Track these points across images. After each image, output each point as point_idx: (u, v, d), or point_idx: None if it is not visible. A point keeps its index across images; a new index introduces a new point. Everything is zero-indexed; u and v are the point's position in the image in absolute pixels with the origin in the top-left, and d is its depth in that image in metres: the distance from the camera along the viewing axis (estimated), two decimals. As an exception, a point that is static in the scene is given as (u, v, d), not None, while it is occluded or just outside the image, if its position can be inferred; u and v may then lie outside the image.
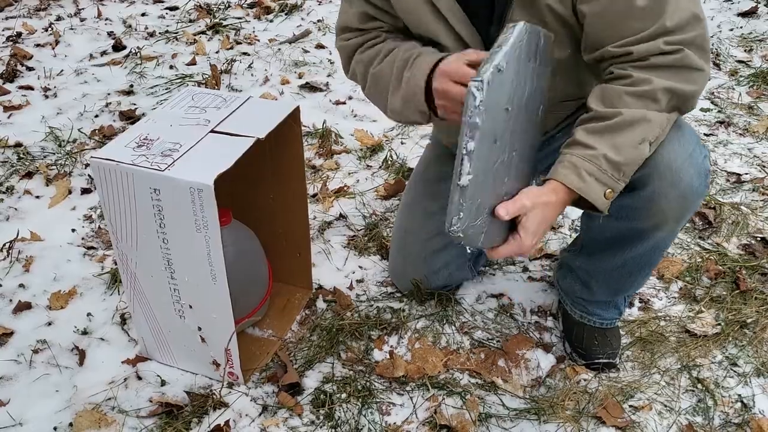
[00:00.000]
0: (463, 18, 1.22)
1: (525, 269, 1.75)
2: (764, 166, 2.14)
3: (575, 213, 1.89)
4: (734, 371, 1.48)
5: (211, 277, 1.28)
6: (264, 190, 1.56)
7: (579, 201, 1.12)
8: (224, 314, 1.32)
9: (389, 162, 2.11)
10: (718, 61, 2.77)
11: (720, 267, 1.72)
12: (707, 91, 2.54)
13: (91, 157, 1.23)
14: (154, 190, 1.21)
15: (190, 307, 1.35)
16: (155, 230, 1.26)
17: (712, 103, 2.48)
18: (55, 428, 1.34)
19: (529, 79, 1.07)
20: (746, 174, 2.10)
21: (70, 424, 1.34)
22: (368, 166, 2.12)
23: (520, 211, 1.07)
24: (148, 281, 1.35)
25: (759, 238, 1.83)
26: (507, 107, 1.03)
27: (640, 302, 1.64)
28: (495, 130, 1.01)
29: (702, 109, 2.44)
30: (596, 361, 1.46)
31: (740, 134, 2.31)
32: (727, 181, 2.08)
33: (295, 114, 1.41)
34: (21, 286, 1.66)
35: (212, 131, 1.31)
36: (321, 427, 1.33)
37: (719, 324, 1.57)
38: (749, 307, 1.62)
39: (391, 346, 1.52)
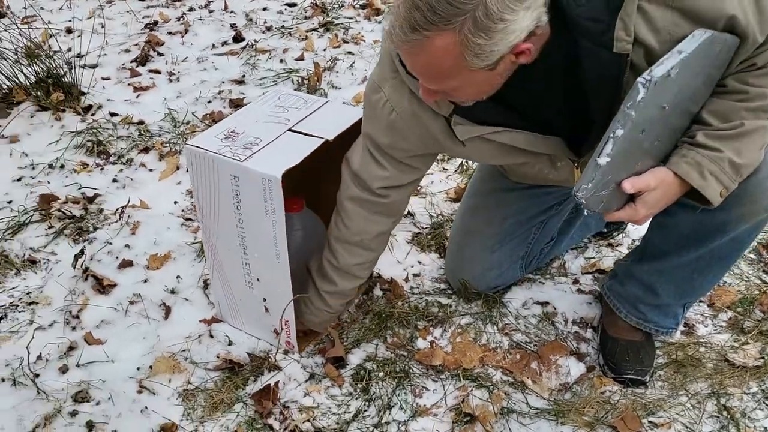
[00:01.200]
0: (556, 142, 1.29)
1: (576, 281, 1.83)
2: None
3: (637, 233, 1.94)
4: (766, 404, 1.50)
5: (276, 256, 1.47)
6: (335, 184, 1.73)
7: (691, 193, 1.19)
8: (285, 289, 1.51)
9: (464, 167, 2.24)
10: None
11: (773, 302, 1.73)
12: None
13: (186, 143, 1.45)
14: (233, 177, 1.41)
15: (258, 280, 1.55)
16: (233, 211, 1.46)
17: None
18: (138, 368, 1.59)
19: (694, 85, 1.12)
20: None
21: (150, 367, 1.58)
22: (444, 169, 2.25)
23: (644, 189, 1.15)
24: (225, 254, 1.56)
25: (824, 278, 1.81)
26: (664, 106, 1.08)
27: (684, 326, 1.69)
28: (646, 122, 1.07)
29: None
30: (624, 375, 1.53)
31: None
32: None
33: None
34: (127, 246, 1.93)
35: (290, 130, 1.49)
36: (356, 399, 1.50)
37: (762, 357, 1.60)
38: (798, 344, 1.63)
39: (435, 337, 1.66)
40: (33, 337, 1.64)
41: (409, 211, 2.04)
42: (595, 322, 1.69)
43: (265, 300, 1.57)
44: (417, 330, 1.67)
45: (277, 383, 1.52)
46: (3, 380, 1.56)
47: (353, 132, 1.54)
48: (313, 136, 1.46)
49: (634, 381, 1.53)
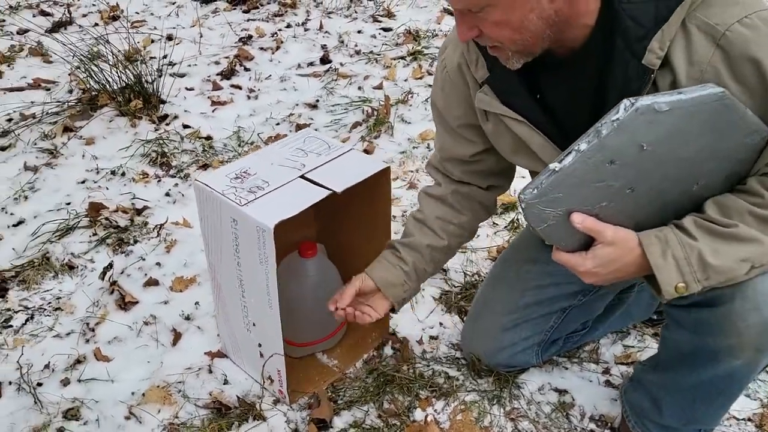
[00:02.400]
0: (554, 154, 1.20)
1: (606, 371, 1.66)
2: None
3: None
4: None
5: (268, 305, 1.42)
6: (353, 233, 1.67)
7: (651, 277, 1.06)
8: (275, 339, 1.46)
9: (515, 224, 2.10)
10: None
11: (832, 435, 1.48)
12: None
13: (195, 179, 1.44)
14: (233, 220, 1.38)
15: (254, 324, 1.51)
16: (233, 252, 1.43)
17: None
18: (132, 393, 1.59)
19: (694, 145, 1.00)
20: None
21: (143, 394, 1.58)
22: (495, 223, 2.13)
23: (596, 235, 1.05)
24: (227, 293, 1.54)
25: None
26: (642, 145, 0.97)
27: (720, 445, 1.48)
28: (617, 154, 0.97)
29: None
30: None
31: None
32: None
33: (386, 172, 1.49)
34: (157, 264, 1.96)
35: (302, 176, 1.44)
36: (330, 468, 1.42)
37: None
38: None
39: (435, 410, 1.55)
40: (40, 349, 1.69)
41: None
42: (617, 423, 1.52)
43: (260, 345, 1.53)
44: (418, 399, 1.57)
45: (254, 435, 1.47)
46: (10, 383, 1.62)
47: (375, 183, 1.47)
48: (323, 186, 1.40)
49: (640, 502, 1.35)
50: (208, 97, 2.83)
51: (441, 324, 1.78)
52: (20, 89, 2.89)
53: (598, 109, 1.07)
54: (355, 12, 3.64)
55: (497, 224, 2.13)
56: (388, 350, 1.70)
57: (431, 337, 1.74)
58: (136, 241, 2.05)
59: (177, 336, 1.74)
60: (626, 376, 1.57)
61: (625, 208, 1.05)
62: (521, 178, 1.55)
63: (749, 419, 1.53)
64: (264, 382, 1.58)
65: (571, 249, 1.09)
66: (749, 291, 1.06)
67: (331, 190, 1.39)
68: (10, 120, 2.65)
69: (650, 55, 1.01)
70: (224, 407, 1.54)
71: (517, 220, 2.12)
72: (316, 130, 2.55)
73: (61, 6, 3.63)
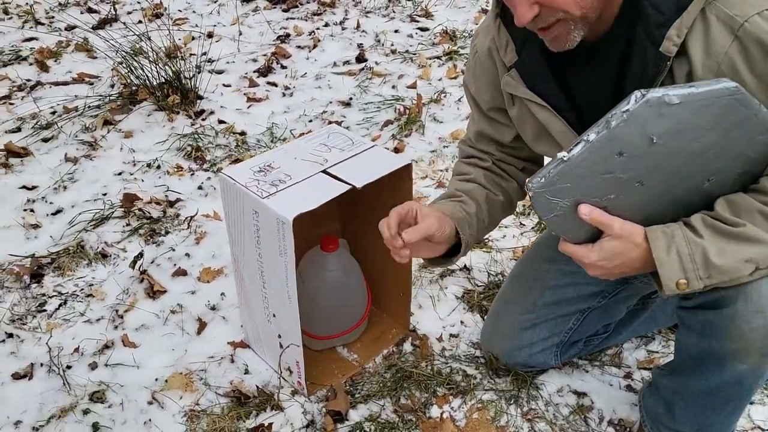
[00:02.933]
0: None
1: (628, 375, 1.63)
2: None
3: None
4: None
5: (287, 297, 1.44)
6: (375, 230, 1.67)
7: (656, 272, 1.05)
8: (294, 330, 1.48)
9: (542, 225, 2.09)
10: None
11: None
12: None
13: (221, 171, 1.47)
14: (254, 212, 1.41)
15: (274, 315, 1.54)
16: (254, 244, 1.46)
17: None
18: (156, 379, 1.63)
19: (704, 140, 0.99)
20: None
21: (167, 381, 1.62)
22: (522, 224, 2.12)
23: (604, 227, 1.04)
24: (249, 284, 1.57)
25: None
26: (652, 137, 0.96)
27: (741, 455, 1.45)
28: (626, 145, 0.97)
29: None
30: (644, 499, 1.34)
31: None
32: None
33: (408, 169, 1.50)
34: (187, 254, 2.01)
35: (324, 171, 1.46)
36: (343, 459, 1.44)
37: None
38: None
39: (452, 408, 1.56)
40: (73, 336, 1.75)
41: (465, 265, 1.94)
42: (635, 429, 1.50)
43: (280, 336, 1.56)
44: (435, 396, 1.58)
45: (270, 425, 1.49)
46: (41, 365, 1.67)
47: (397, 180, 1.48)
48: (343, 181, 1.42)
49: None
50: (244, 94, 2.88)
51: (462, 322, 1.78)
52: (65, 83, 2.98)
53: (616, 98, 1.06)
54: (393, 12, 3.66)
55: (524, 224, 2.12)
56: (407, 346, 1.71)
57: (451, 335, 1.74)
58: (167, 232, 2.10)
59: (202, 325, 1.77)
60: (646, 381, 1.55)
61: (633, 202, 1.04)
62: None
63: (774, 430, 1.50)
64: (282, 372, 1.60)
65: (578, 240, 1.08)
66: (753, 294, 1.05)
67: (351, 185, 1.41)
68: (53, 113, 2.74)
69: (667, 43, 1.01)
70: (243, 396, 1.57)
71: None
72: (347, 128, 2.57)
73: (107, 3, 3.73)
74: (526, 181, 1.02)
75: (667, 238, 1.03)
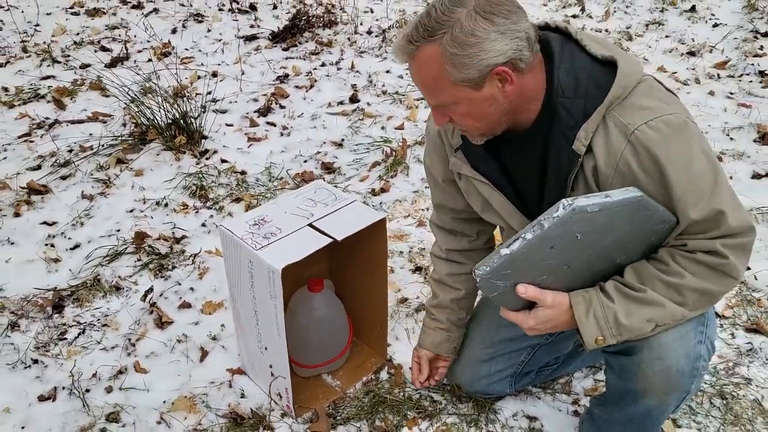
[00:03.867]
0: (514, 211, 1.44)
1: (575, 401, 1.87)
2: None
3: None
4: None
5: (277, 333, 1.68)
6: (356, 271, 1.92)
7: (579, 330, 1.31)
8: (282, 363, 1.72)
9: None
10: None
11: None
12: None
13: (219, 225, 1.71)
14: (249, 261, 1.65)
15: (266, 348, 1.77)
16: (249, 287, 1.70)
17: None
18: (164, 401, 1.87)
19: (617, 233, 1.23)
20: None
21: (173, 403, 1.86)
22: (492, 261, 2.35)
23: (538, 301, 1.29)
24: (245, 320, 1.81)
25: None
26: (577, 235, 1.21)
27: (667, 473, 1.68)
28: (556, 240, 1.21)
29: None
30: None
31: None
32: None
33: (382, 222, 1.75)
34: (191, 289, 2.25)
35: (309, 225, 1.70)
36: (323, 474, 1.67)
37: None
38: None
39: (420, 429, 1.79)
40: (87, 360, 1.99)
41: (438, 300, 2.17)
42: (577, 449, 1.74)
43: (271, 366, 1.79)
44: (405, 419, 1.81)
45: (263, 443, 1.73)
46: (63, 388, 1.91)
47: (373, 231, 1.72)
48: (326, 234, 1.66)
49: None
50: (245, 134, 3.13)
51: (433, 353, 2.01)
52: (81, 122, 3.24)
53: (542, 177, 1.33)
54: (386, 52, 3.92)
55: (494, 262, 2.35)
56: (384, 375, 1.94)
57: (423, 364, 1.98)
58: (173, 267, 2.34)
59: (204, 353, 2.01)
60: (585, 410, 1.78)
61: (562, 279, 1.29)
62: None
63: (697, 451, 1.73)
64: (273, 397, 1.84)
65: (516, 309, 1.33)
66: (655, 344, 1.29)
67: (332, 238, 1.65)
68: (70, 151, 2.99)
69: (578, 143, 1.24)
70: (239, 417, 1.81)
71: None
72: (338, 168, 2.82)
73: (119, 42, 3.99)
74: (473, 268, 1.25)
75: (586, 303, 1.28)
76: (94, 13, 4.38)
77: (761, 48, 3.93)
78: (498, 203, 1.44)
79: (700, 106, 3.31)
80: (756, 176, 2.79)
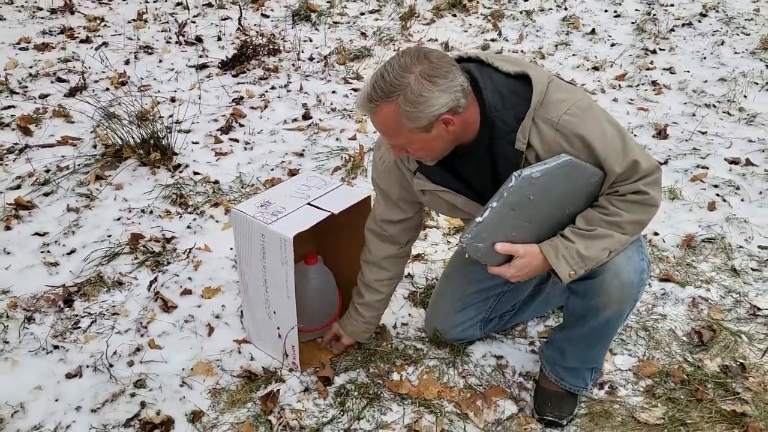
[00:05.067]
0: (476, 206, 1.79)
1: (531, 343, 2.26)
2: (790, 306, 2.42)
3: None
4: (657, 455, 1.89)
5: (287, 295, 2.00)
6: (345, 246, 2.26)
7: (554, 270, 1.69)
8: (291, 320, 2.03)
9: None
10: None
11: (685, 376, 2.10)
12: (775, 231, 2.83)
13: (232, 208, 2.02)
14: (261, 235, 1.96)
15: (275, 312, 2.08)
16: (260, 259, 2.01)
17: (774, 242, 2.77)
18: (183, 369, 2.14)
19: (560, 189, 1.61)
20: (767, 310, 2.40)
21: (192, 369, 2.13)
22: (448, 242, 2.75)
23: (513, 253, 1.68)
24: (253, 291, 2.11)
25: (739, 363, 2.16)
26: (530, 197, 1.59)
27: (609, 387, 2.09)
28: (514, 204, 1.58)
29: (760, 246, 2.73)
30: (544, 417, 1.95)
31: (786, 274, 2.59)
32: (747, 312, 2.40)
33: (367, 200, 2.10)
34: (189, 278, 2.52)
35: (308, 203, 2.04)
36: (334, 408, 1.99)
37: (663, 418, 1.98)
38: (698, 412, 2.00)
39: (407, 373, 2.13)
40: (107, 344, 2.23)
41: (409, 273, 2.54)
42: (537, 376, 2.12)
43: (278, 328, 2.10)
44: (394, 366, 2.15)
45: (278, 391, 2.03)
46: (87, 366, 2.15)
47: (359, 207, 2.07)
48: (324, 209, 2.00)
49: (552, 422, 1.95)
50: (212, 149, 3.42)
51: (410, 315, 2.37)
52: (51, 145, 3.44)
53: (494, 175, 1.71)
54: (329, 75, 4.30)
55: (450, 242, 2.75)
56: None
57: (403, 324, 2.33)
58: (169, 263, 2.61)
59: (211, 329, 2.29)
60: (542, 341, 2.17)
61: (528, 233, 1.69)
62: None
63: (629, 370, 2.15)
64: (280, 358, 2.14)
65: (499, 264, 1.72)
66: (611, 265, 1.70)
67: (330, 212, 1.99)
68: (48, 171, 3.20)
69: (518, 143, 1.63)
70: (253, 375, 2.10)
71: (466, 238, 2.74)
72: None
73: (75, 73, 4.20)
74: (460, 236, 1.64)
75: (554, 249, 1.67)
76: (44, 47, 4.56)
77: (651, 62, 4.57)
78: (462, 203, 1.81)
79: (607, 111, 3.85)
80: (657, 164, 3.32)
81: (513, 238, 1.68)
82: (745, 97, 4.06)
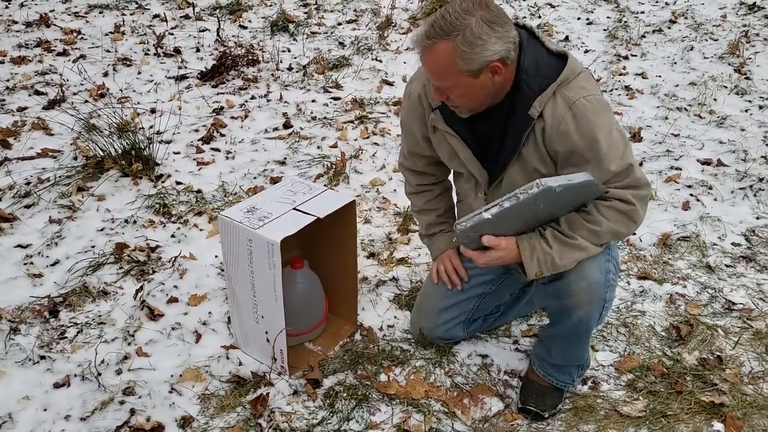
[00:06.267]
0: (477, 165, 1.88)
1: (515, 341, 2.31)
2: (763, 300, 2.50)
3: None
4: (640, 446, 1.94)
5: (274, 299, 2.02)
6: (330, 251, 2.30)
7: (521, 264, 1.76)
8: (279, 323, 2.05)
9: (447, 245, 2.76)
10: (779, 202, 3.10)
11: (664, 369, 2.16)
12: (747, 228, 2.91)
13: (219, 213, 2.05)
14: (249, 240, 1.99)
15: (263, 317, 2.10)
16: (247, 264, 2.04)
17: (746, 239, 2.85)
18: (171, 375, 2.15)
19: (565, 200, 1.69)
20: (741, 304, 2.48)
21: (180, 375, 2.14)
22: (431, 245, 2.79)
23: (495, 247, 1.74)
24: (241, 296, 2.13)
25: (716, 356, 2.23)
26: (540, 204, 1.64)
27: (591, 383, 2.14)
28: (523, 208, 1.63)
29: (733, 243, 2.82)
30: (528, 407, 2.00)
31: (758, 270, 2.67)
32: (722, 306, 2.47)
33: (352, 204, 2.14)
34: (175, 286, 2.53)
35: (294, 209, 2.07)
36: (324, 410, 2.01)
37: (645, 411, 2.03)
38: (678, 404, 2.05)
39: (394, 374, 2.16)
40: (96, 352, 2.24)
41: (394, 276, 2.58)
42: (522, 373, 2.16)
43: (266, 333, 2.12)
44: (382, 367, 2.18)
45: (268, 394, 2.05)
46: (75, 375, 2.15)
47: (344, 211, 2.10)
48: (310, 214, 2.03)
49: (536, 415, 2.00)
50: (194, 159, 3.43)
51: (395, 317, 2.41)
52: (31, 158, 3.43)
53: (502, 135, 1.77)
54: (309, 84, 4.34)
55: (433, 246, 2.79)
56: (358, 336, 2.31)
57: (389, 326, 2.36)
58: (154, 271, 2.61)
59: (198, 336, 2.31)
60: (536, 339, 2.22)
61: (513, 229, 1.74)
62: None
63: (611, 365, 2.20)
64: (268, 362, 2.16)
65: (475, 249, 1.76)
66: (577, 267, 1.76)
67: (316, 216, 2.02)
68: (28, 183, 3.19)
69: (533, 110, 1.70)
70: (242, 380, 2.12)
71: (448, 241, 2.78)
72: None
73: (53, 86, 4.19)
74: (455, 223, 1.70)
75: (531, 249, 1.73)
76: (20, 60, 4.53)
77: (624, 68, 4.67)
78: (463, 155, 1.87)
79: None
80: (632, 166, 3.41)
81: (501, 233, 1.73)
82: (715, 100, 4.17)
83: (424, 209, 2.19)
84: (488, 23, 1.60)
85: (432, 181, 2.16)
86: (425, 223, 2.21)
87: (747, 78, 4.48)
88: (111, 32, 5.04)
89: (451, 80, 1.66)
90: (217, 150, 3.54)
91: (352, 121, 3.85)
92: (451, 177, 2.19)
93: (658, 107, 4.11)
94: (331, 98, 4.17)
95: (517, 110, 1.72)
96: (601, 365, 2.21)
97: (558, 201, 1.67)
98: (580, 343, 1.96)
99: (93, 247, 2.76)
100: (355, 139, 3.65)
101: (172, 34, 5.07)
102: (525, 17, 5.71)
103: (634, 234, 2.86)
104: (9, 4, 5.53)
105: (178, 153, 3.49)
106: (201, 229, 2.88)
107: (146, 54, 4.72)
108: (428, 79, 1.78)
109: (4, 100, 4.03)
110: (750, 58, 4.80)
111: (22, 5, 5.44)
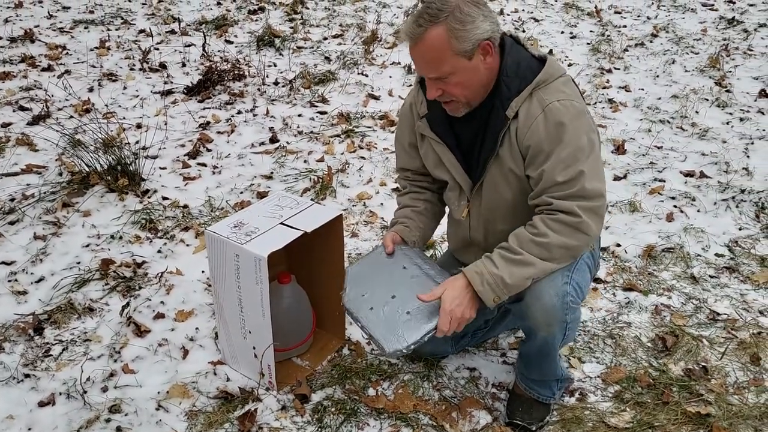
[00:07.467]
0: (460, 170, 1.88)
1: (503, 354, 2.32)
2: (747, 310, 2.52)
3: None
4: (628, 457, 1.95)
5: (261, 314, 2.02)
6: (318, 265, 2.30)
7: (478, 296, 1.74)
8: (267, 338, 2.05)
9: (434, 258, 2.77)
10: (762, 214, 3.14)
11: (651, 380, 2.17)
12: (730, 239, 2.94)
13: (206, 229, 2.04)
14: (236, 255, 1.99)
15: (250, 332, 2.10)
16: (235, 279, 2.03)
17: (729, 250, 2.88)
18: (158, 392, 2.13)
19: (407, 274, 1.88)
20: (725, 314, 2.50)
21: (167, 392, 2.13)
22: (418, 258, 2.79)
23: (432, 298, 1.73)
24: (228, 312, 2.12)
25: (702, 366, 2.25)
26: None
27: (579, 394, 2.15)
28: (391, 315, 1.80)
29: (716, 254, 2.85)
30: (514, 421, 2.00)
31: (741, 281, 2.70)
32: (707, 317, 2.50)
33: (339, 218, 2.14)
34: (162, 302, 2.52)
35: (281, 223, 2.07)
36: (312, 425, 2.01)
37: (632, 422, 2.04)
38: (665, 414, 2.07)
39: (383, 388, 2.16)
40: (81, 369, 2.22)
41: (381, 290, 2.58)
42: (510, 386, 2.17)
43: (254, 348, 2.11)
44: (370, 381, 2.18)
45: (256, 410, 2.04)
46: (60, 393, 2.13)
47: (331, 226, 2.11)
48: (297, 228, 2.03)
49: (523, 429, 2.00)
50: (180, 174, 3.43)
51: (383, 331, 2.40)
52: (15, 174, 3.41)
53: (483, 135, 1.79)
54: (295, 99, 4.35)
55: (421, 259, 2.79)
56: (346, 351, 2.31)
57: (377, 340, 2.36)
58: (140, 287, 2.60)
59: (185, 352, 2.29)
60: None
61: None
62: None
63: (598, 377, 2.22)
64: (256, 378, 2.15)
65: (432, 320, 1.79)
66: (533, 288, 1.76)
67: (303, 230, 2.03)
68: (12, 200, 3.17)
69: (510, 110, 1.73)
70: (229, 396, 2.11)
71: (435, 256, 2.79)
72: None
73: (37, 102, 4.17)
74: (389, 350, 1.78)
75: (479, 276, 1.71)
76: (4, 76, 4.51)
77: (608, 81, 4.73)
78: (447, 161, 1.89)
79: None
80: (616, 178, 3.44)
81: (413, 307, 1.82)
82: (696, 112, 4.22)
83: (406, 205, 2.10)
84: (472, 3, 1.66)
85: (424, 186, 2.11)
86: (395, 215, 2.11)
87: (727, 91, 4.54)
88: (96, 47, 5.03)
89: (447, 65, 1.68)
90: (204, 165, 3.54)
91: (338, 136, 3.86)
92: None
93: (641, 120, 4.16)
94: (318, 112, 4.18)
95: (495, 110, 1.75)
96: (588, 377, 2.22)
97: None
98: (547, 360, 1.96)
99: (78, 263, 2.74)
100: (342, 153, 3.66)
101: (158, 49, 5.07)
102: (509, 31, 5.76)
103: (619, 246, 2.89)
104: (-7, 19, 5.52)
105: (164, 168, 3.49)
106: (188, 245, 2.87)
107: (132, 69, 4.72)
108: (419, 88, 1.79)
109: (-13, 116, 4.01)
110: (730, 71, 4.87)
111: (6, 21, 5.41)
